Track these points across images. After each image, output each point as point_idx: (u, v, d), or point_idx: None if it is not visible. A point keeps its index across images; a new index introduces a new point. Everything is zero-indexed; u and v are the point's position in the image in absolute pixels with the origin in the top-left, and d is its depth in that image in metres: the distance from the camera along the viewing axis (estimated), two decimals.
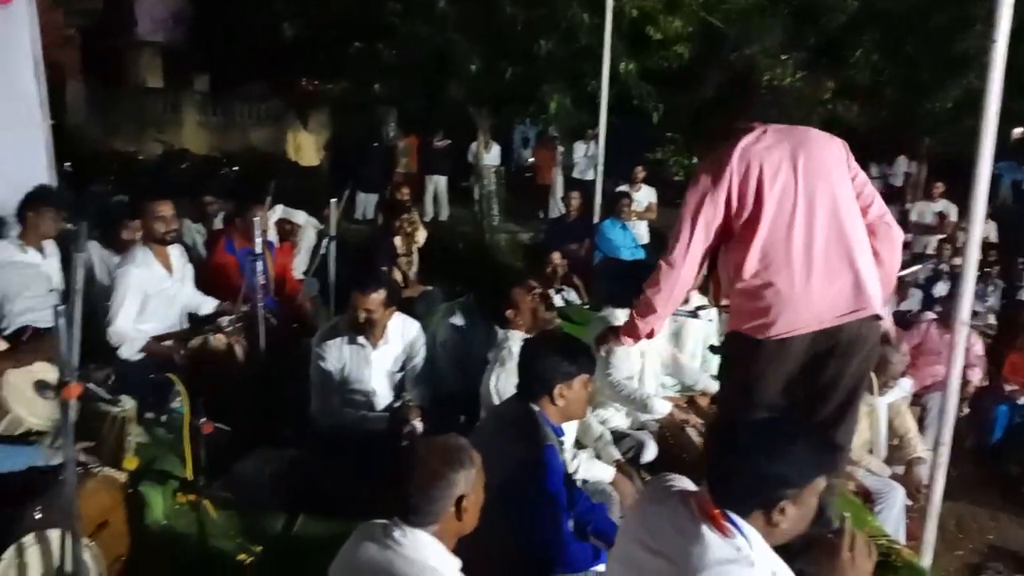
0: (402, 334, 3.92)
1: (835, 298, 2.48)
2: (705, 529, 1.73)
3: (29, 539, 2.28)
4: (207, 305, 4.58)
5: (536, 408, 2.42)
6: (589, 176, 12.87)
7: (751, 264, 2.50)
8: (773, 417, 2.22)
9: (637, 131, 13.13)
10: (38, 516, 2.40)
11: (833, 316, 2.47)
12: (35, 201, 4.67)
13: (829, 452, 2.19)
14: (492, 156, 12.20)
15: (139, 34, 18.10)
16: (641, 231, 8.60)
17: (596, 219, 7.60)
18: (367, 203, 12.34)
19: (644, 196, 9.15)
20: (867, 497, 4.20)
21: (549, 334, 2.50)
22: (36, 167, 6.91)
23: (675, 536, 1.76)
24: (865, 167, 2.77)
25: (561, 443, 2.43)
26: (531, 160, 15.01)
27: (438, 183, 12.61)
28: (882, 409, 4.50)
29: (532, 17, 9.28)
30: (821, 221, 2.48)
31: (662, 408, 3.77)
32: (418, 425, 3.74)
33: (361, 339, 3.77)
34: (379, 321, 3.74)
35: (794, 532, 1.79)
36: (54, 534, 2.29)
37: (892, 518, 4.16)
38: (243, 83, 18.09)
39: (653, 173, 10.06)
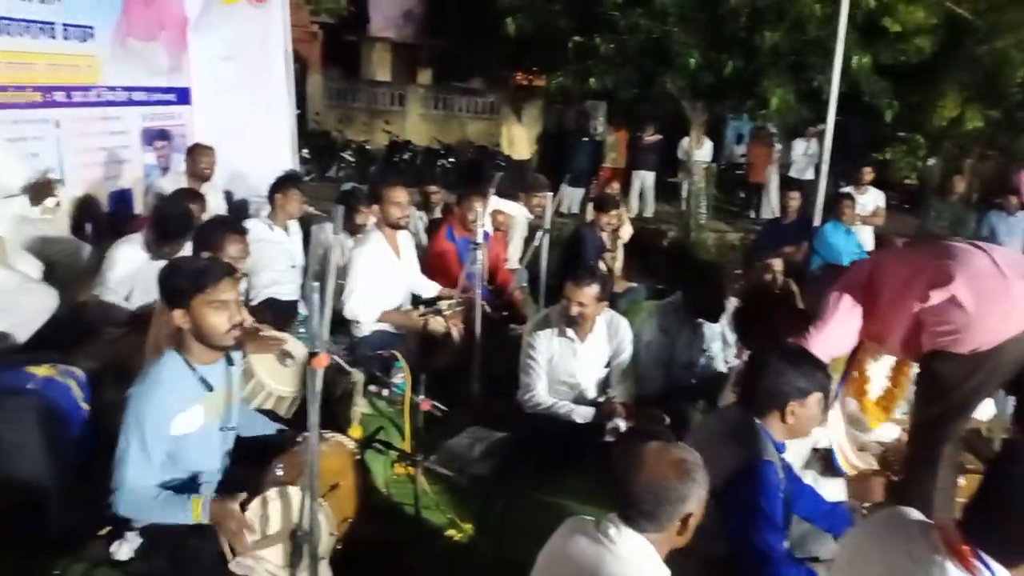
0: (610, 330, 3.93)
1: None
2: (949, 565, 1.62)
3: (272, 493, 2.53)
4: (429, 289, 4.84)
5: (758, 422, 2.33)
6: (807, 175, 12.22)
7: None
8: None
9: (864, 129, 12.32)
10: (279, 473, 2.65)
11: None
12: (283, 184, 5.12)
13: None
14: (703, 152, 11.91)
15: (372, 30, 19.38)
16: (865, 237, 8.01)
17: (816, 222, 7.18)
18: (573, 197, 12.49)
19: (871, 199, 8.51)
20: None
21: (785, 347, 2.38)
22: (283, 153, 7.66)
23: (912, 567, 1.65)
24: None
25: (782, 460, 2.33)
26: (744, 157, 14.48)
27: (645, 178, 12.49)
28: None
29: (758, 8, 8.94)
30: None
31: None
32: (621, 423, 3.75)
33: (571, 332, 3.83)
34: (590, 315, 3.78)
35: None
36: (294, 490, 2.52)
37: None
38: (463, 77, 18.89)
39: (879, 175, 9.37)
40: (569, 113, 17.21)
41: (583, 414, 3.76)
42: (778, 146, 13.09)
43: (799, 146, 12.47)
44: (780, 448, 2.34)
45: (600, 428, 3.72)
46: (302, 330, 4.45)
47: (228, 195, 6.62)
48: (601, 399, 3.92)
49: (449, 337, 4.44)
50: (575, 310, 3.72)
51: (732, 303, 4.11)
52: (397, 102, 17.85)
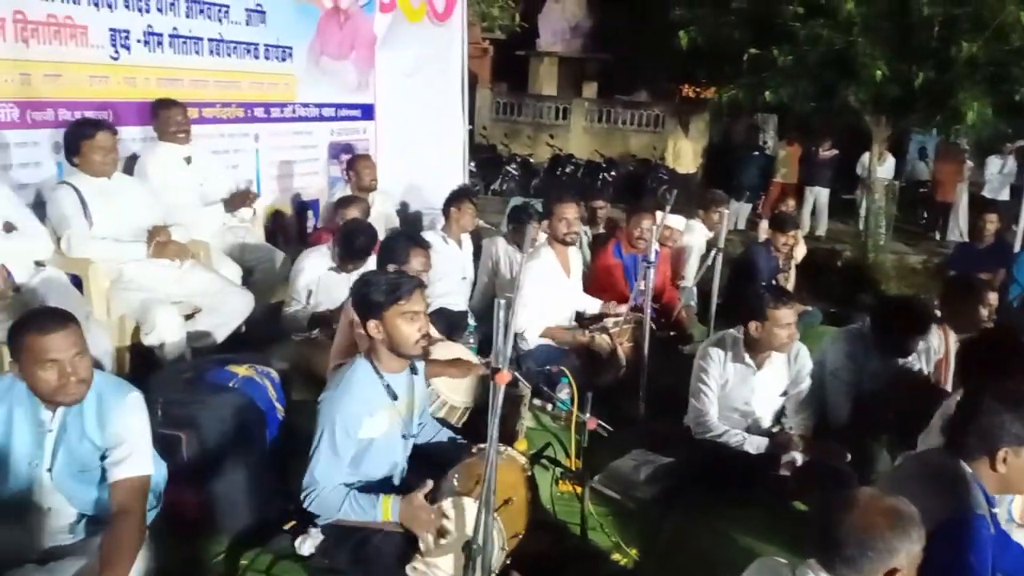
0: (789, 357, 3.75)
1: None
2: None
3: (447, 503, 2.59)
4: (593, 305, 4.82)
5: (968, 469, 2.13)
6: (1003, 196, 11.26)
7: None
8: None
9: None
10: (455, 483, 2.71)
11: None
12: (458, 198, 5.27)
13: None
14: (885, 169, 11.18)
15: (541, 45, 19.69)
16: None
17: (1016, 247, 6.59)
18: (740, 212, 12.11)
19: None
20: None
21: (1004, 387, 2.17)
22: (454, 167, 7.92)
23: None
24: None
25: (993, 515, 2.12)
26: (930, 175, 13.48)
27: (819, 195, 11.89)
28: None
29: (953, 16, 8.30)
30: None
31: None
32: (797, 456, 3.57)
33: (748, 357, 3.68)
34: (791, 340, 3.60)
35: None
36: (468, 502, 2.56)
37: None
38: (628, 90, 18.80)
39: None
40: (737, 126, 16.74)
41: (756, 444, 3.61)
42: (969, 163, 12.12)
43: (994, 164, 11.50)
44: (991, 502, 2.13)
45: (774, 460, 3.56)
46: (471, 340, 4.55)
47: (404, 206, 6.92)
48: (776, 429, 3.75)
49: (615, 355, 4.40)
50: (783, 335, 3.54)
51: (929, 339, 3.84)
52: (561, 115, 18.01)
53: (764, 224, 8.24)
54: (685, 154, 13.20)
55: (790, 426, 3.73)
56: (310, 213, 6.34)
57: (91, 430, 2.37)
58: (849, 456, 3.46)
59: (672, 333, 5.14)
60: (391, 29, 6.77)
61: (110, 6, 4.47)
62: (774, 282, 5.73)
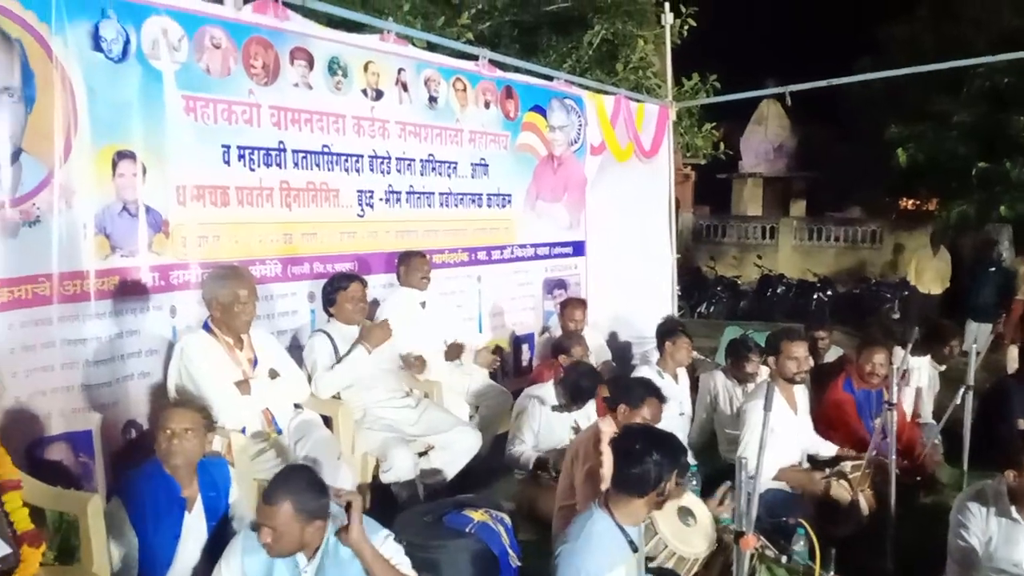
0: None
1: None
2: None
3: None
4: (826, 448, 4.54)
5: None
6: None
7: None
8: None
9: None
10: None
11: None
12: (672, 332, 5.25)
13: None
14: None
15: (743, 167, 19.67)
16: None
17: None
18: (979, 333, 11.03)
19: None
20: None
21: None
22: (665, 296, 7.96)
23: None
24: None
25: None
26: None
27: None
28: None
29: None
30: None
31: None
32: None
33: (1014, 511, 3.28)
34: None
35: None
36: None
37: None
38: (838, 207, 18.16)
39: None
40: (964, 241, 15.52)
41: None
42: None
43: None
44: None
45: None
46: (694, 482, 4.41)
47: (613, 336, 7.00)
48: None
49: (855, 504, 4.08)
50: None
51: None
52: (768, 235, 17.66)
53: (1012, 352, 7.45)
54: (929, 273, 12.21)
55: None
56: (525, 347, 6.58)
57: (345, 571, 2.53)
58: None
59: (918, 478, 4.69)
60: (601, 170, 7.06)
61: (358, 171, 5.03)
62: None
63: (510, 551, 3.22)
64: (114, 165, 3.67)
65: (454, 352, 5.09)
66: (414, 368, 4.66)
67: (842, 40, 17.21)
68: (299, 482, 2.54)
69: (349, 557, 2.53)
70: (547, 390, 4.47)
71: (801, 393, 4.56)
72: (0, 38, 3.21)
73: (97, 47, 3.58)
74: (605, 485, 2.98)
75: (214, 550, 2.77)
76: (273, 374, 3.89)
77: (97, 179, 3.61)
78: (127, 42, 3.69)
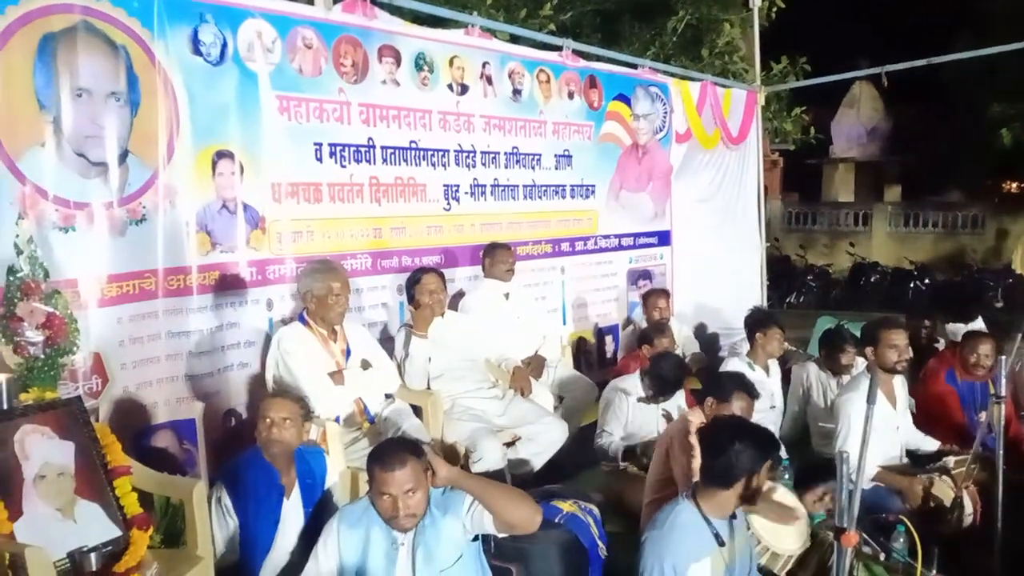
0: None
1: None
2: None
3: None
4: (928, 444, 4.37)
5: None
6: None
7: None
8: None
9: None
10: None
11: None
12: (764, 323, 5.12)
13: None
14: None
15: (834, 152, 19.01)
16: None
17: None
18: None
19: None
20: None
21: None
22: (754, 286, 7.79)
23: None
24: None
25: None
26: None
27: None
28: None
29: None
30: None
31: None
32: None
33: None
34: None
35: None
36: None
37: None
38: (936, 191, 17.38)
39: None
40: None
41: None
42: None
43: None
44: None
45: None
46: (786, 476, 4.31)
47: (701, 328, 6.89)
48: None
49: (959, 503, 3.91)
50: None
51: None
52: (861, 222, 17.03)
53: None
54: None
55: None
56: (609, 338, 6.54)
57: (435, 548, 2.56)
58: None
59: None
60: (687, 158, 6.95)
61: (444, 166, 5.09)
62: None
63: (599, 542, 3.22)
64: (214, 165, 3.83)
65: (537, 368, 5.01)
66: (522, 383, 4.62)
67: (938, 14, 16.44)
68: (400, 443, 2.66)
69: (446, 531, 2.56)
70: (632, 382, 4.43)
71: (900, 385, 4.39)
72: (107, 45, 3.37)
73: (196, 51, 3.73)
74: (695, 477, 2.95)
75: (311, 535, 2.85)
76: (365, 365, 3.98)
77: (198, 179, 3.76)
78: (224, 45, 3.84)
